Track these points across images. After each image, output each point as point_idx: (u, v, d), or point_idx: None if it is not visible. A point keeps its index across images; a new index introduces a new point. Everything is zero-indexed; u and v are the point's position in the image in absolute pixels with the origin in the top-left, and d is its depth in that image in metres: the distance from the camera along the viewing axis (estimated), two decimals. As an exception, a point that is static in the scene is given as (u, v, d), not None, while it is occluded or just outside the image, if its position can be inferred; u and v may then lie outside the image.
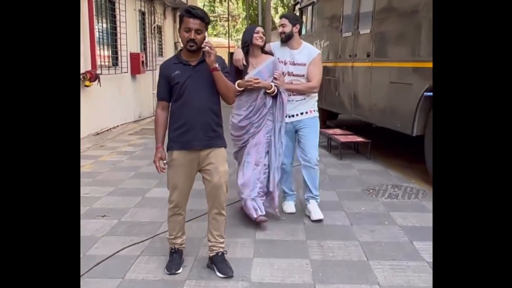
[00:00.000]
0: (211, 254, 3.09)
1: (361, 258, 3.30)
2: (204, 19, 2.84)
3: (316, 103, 4.23)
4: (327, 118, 9.47)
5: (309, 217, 4.11)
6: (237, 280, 2.94)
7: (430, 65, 5.12)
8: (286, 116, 3.97)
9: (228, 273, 2.98)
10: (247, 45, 3.81)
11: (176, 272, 3.02)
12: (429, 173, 5.28)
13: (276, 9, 33.16)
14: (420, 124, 5.39)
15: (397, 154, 7.04)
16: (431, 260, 3.25)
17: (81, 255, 3.28)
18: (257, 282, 2.93)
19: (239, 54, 3.84)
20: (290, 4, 24.56)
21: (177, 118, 2.93)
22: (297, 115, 4.11)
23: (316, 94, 4.20)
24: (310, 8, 9.87)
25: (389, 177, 5.69)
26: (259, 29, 3.85)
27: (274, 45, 4.19)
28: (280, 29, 4.12)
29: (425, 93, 5.15)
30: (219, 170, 2.97)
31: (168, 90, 2.92)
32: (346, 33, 7.70)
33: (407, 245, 3.54)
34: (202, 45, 2.82)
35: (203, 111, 2.89)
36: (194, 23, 2.80)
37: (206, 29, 2.91)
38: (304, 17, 10.28)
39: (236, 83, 3.66)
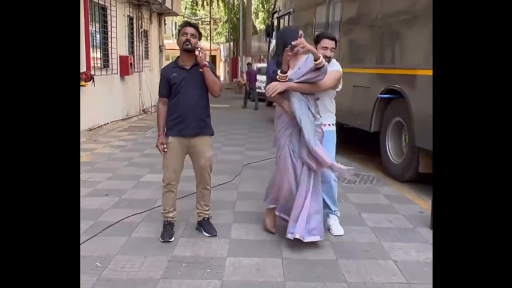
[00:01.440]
0: (199, 219, 3.91)
1: (318, 224, 4.16)
2: (197, 28, 3.71)
3: (334, 118, 4.08)
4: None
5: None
6: (219, 238, 3.77)
7: (384, 71, 6.04)
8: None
9: (212, 233, 3.81)
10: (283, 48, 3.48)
11: (169, 240, 3.68)
12: (383, 163, 6.20)
13: (256, 14, 34.03)
14: (377, 122, 6.31)
15: (361, 149, 7.94)
16: (373, 225, 4.14)
17: (92, 222, 4.07)
18: (235, 239, 3.76)
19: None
20: (270, 10, 25.41)
21: (173, 111, 3.71)
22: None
23: (333, 109, 4.07)
24: (287, 17, 10.75)
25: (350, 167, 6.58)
26: (302, 33, 3.65)
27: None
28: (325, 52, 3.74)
29: (380, 95, 6.07)
30: (205, 155, 3.76)
31: (167, 88, 3.71)
32: (317, 41, 8.58)
33: (356, 216, 4.42)
34: (196, 47, 3.60)
35: (194, 105, 3.69)
36: (190, 29, 3.63)
37: (199, 38, 3.72)
38: (281, 26, 11.15)
39: (279, 71, 3.52)
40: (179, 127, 3.69)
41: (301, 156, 3.58)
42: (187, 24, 3.73)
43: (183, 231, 3.90)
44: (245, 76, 17.47)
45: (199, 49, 3.59)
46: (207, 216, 3.92)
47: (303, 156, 3.56)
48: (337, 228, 3.96)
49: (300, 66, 3.56)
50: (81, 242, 3.56)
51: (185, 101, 3.66)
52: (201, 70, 3.61)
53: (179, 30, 3.72)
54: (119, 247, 3.53)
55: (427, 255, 3.49)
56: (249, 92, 16.58)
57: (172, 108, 3.72)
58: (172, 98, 3.71)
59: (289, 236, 3.51)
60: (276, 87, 3.49)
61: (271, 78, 3.61)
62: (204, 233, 3.83)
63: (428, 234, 3.94)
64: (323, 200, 3.82)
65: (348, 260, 3.39)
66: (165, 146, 3.69)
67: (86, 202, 4.61)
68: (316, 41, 3.82)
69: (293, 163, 3.62)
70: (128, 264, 3.25)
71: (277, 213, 3.85)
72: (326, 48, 3.72)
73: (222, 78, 39.13)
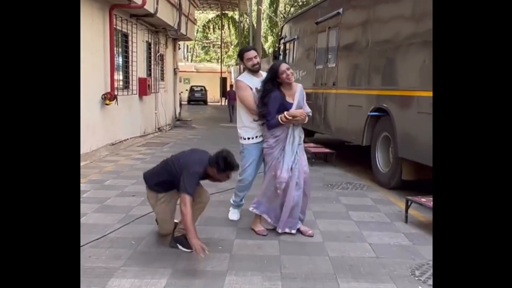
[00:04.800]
0: (179, 235, 3.98)
1: (311, 218, 4.98)
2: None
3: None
4: (305, 135, 11.23)
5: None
6: (229, 226, 4.61)
7: (374, 92, 6.92)
8: (256, 137, 4.55)
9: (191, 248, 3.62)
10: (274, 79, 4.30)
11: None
12: (373, 173, 7.05)
13: (266, 37, 35.20)
14: (368, 137, 7.16)
15: (358, 162, 8.77)
16: (357, 220, 4.97)
17: (124, 215, 4.93)
18: (241, 227, 4.60)
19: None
20: (279, 33, 26.51)
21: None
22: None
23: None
24: (292, 42, 11.71)
25: (346, 177, 7.42)
26: (284, 66, 4.31)
27: (244, 76, 4.64)
28: (254, 61, 4.50)
29: (370, 113, 6.94)
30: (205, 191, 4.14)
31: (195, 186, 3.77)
32: (318, 65, 9.53)
33: (344, 213, 5.25)
34: None
35: None
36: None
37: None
38: (287, 50, 12.13)
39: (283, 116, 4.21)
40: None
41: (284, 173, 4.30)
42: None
43: (199, 222, 4.75)
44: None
45: None
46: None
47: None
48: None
49: (298, 99, 4.34)
50: (117, 228, 4.44)
51: None
52: None
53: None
54: (149, 232, 4.39)
55: (397, 240, 4.32)
56: (232, 106, 19.65)
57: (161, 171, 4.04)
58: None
59: (279, 231, 4.37)
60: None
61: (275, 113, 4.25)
62: (183, 248, 3.92)
63: (402, 226, 4.77)
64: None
65: (332, 243, 4.22)
66: (204, 247, 3.47)
67: (117, 201, 5.49)
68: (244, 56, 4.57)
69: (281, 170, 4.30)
70: (157, 242, 4.11)
71: (264, 215, 4.46)
72: (251, 59, 4.51)
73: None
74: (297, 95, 4.35)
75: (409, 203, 4.93)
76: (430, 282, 3.41)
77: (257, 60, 4.52)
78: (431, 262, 3.78)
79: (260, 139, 4.54)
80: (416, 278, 3.48)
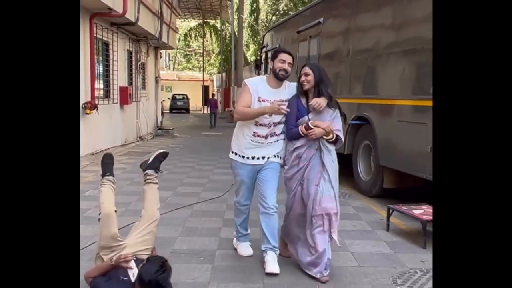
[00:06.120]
0: None
1: (293, 227, 4.97)
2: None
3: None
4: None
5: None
6: (211, 237, 4.57)
7: (355, 100, 6.97)
8: (254, 157, 3.79)
9: None
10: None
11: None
12: (355, 181, 7.08)
13: (247, 46, 35.32)
14: (349, 145, 7.20)
15: (339, 170, 8.77)
16: (339, 229, 4.95)
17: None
18: (224, 238, 4.57)
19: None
20: (260, 41, 26.61)
21: None
22: (263, 158, 3.79)
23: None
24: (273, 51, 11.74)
25: (328, 186, 7.43)
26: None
27: (256, 81, 3.94)
28: (284, 66, 3.71)
29: (351, 122, 6.98)
30: None
31: None
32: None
33: (326, 222, 5.25)
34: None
35: None
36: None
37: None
38: (269, 59, 12.16)
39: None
40: None
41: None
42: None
43: (180, 233, 4.71)
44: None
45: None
46: None
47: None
48: (272, 265, 3.64)
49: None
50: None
51: None
52: None
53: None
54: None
55: (379, 249, 4.34)
56: (214, 114, 21.93)
57: None
58: None
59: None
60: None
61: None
62: None
63: (383, 234, 4.79)
64: (263, 232, 3.76)
65: (314, 252, 4.21)
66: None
67: (98, 212, 5.40)
68: (274, 56, 3.82)
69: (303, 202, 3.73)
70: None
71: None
72: (284, 61, 3.71)
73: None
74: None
75: (390, 212, 4.96)
76: (412, 290, 3.44)
77: (288, 68, 3.71)
78: (412, 271, 3.80)
79: (249, 161, 3.81)
80: (398, 287, 3.49)
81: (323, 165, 3.66)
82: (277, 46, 11.29)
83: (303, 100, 3.70)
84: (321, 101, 3.58)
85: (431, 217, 4.55)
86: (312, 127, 3.55)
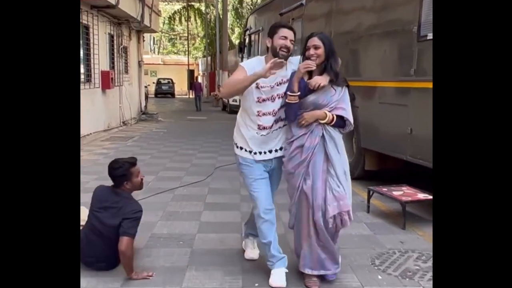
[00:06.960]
0: None
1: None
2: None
3: None
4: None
5: None
6: (191, 221, 4.56)
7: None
8: (261, 152, 3.25)
9: None
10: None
11: None
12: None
13: (232, 29, 35.02)
14: (332, 128, 7.18)
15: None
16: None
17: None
18: (205, 221, 4.55)
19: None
20: (245, 24, 26.41)
21: None
22: (275, 150, 3.28)
23: None
24: (257, 34, 11.66)
25: (311, 168, 7.45)
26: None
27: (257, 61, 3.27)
28: (286, 43, 3.05)
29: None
30: None
31: None
32: (283, 57, 9.49)
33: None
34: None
35: None
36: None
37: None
38: (253, 42, 12.07)
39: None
40: None
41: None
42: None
43: (161, 217, 4.68)
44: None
45: None
46: None
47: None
48: (251, 252, 3.66)
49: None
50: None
51: None
52: None
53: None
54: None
55: (359, 230, 4.35)
56: (198, 97, 22.35)
57: None
58: None
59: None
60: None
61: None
62: None
63: (364, 216, 4.82)
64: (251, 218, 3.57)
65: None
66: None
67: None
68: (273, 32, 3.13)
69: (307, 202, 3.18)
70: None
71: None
72: (285, 37, 3.07)
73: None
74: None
75: (371, 193, 4.98)
76: (390, 271, 3.46)
77: (291, 46, 3.06)
78: (391, 251, 3.84)
79: (259, 157, 3.25)
80: (376, 268, 3.51)
81: (328, 157, 3.10)
82: (260, 29, 11.20)
83: (306, 77, 3.08)
84: (320, 80, 3.00)
85: (410, 198, 4.59)
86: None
